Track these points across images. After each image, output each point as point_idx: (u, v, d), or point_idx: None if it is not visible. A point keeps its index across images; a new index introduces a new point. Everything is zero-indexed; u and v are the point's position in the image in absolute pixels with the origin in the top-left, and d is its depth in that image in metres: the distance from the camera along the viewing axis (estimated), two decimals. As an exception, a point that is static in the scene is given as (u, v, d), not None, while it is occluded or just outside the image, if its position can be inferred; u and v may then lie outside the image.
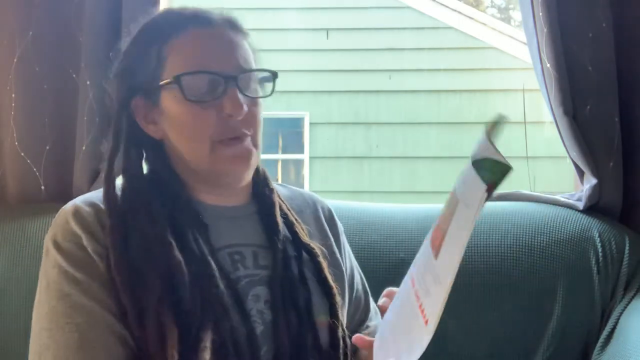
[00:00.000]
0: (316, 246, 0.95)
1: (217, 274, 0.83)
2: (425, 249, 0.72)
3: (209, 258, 0.84)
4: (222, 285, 0.82)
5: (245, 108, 0.86)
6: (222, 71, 0.86)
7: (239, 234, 0.91)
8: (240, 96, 0.86)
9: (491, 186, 0.60)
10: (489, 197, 0.61)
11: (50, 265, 0.83)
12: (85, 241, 0.82)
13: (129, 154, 0.89)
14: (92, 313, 0.79)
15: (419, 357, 0.67)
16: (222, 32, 0.89)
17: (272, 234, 0.93)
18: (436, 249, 0.68)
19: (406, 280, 0.77)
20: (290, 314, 0.87)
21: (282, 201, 0.99)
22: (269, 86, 0.91)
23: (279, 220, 0.94)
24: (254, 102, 0.88)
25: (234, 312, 0.82)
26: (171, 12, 0.92)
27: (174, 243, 0.82)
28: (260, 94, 0.90)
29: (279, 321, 0.86)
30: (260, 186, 0.97)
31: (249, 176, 0.92)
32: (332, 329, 0.91)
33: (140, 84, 0.89)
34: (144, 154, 0.92)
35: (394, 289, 0.85)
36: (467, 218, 0.62)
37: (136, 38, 0.91)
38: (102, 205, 0.86)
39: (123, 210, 0.84)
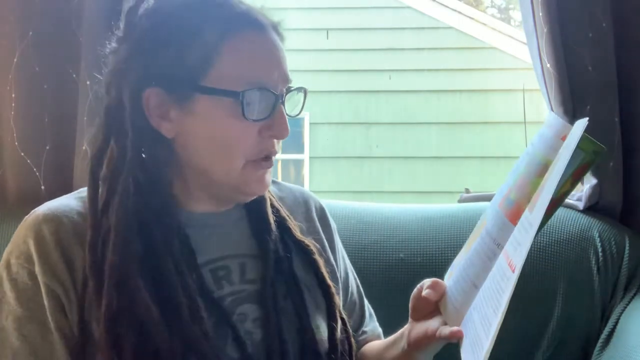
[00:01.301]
0: (311, 243, 0.91)
1: (204, 314, 0.76)
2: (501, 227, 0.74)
3: (199, 299, 0.76)
4: (210, 329, 0.75)
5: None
6: (275, 88, 0.80)
7: (226, 245, 0.85)
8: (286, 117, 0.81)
9: (585, 167, 0.61)
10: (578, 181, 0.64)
11: None
12: (37, 268, 0.75)
13: (125, 152, 0.76)
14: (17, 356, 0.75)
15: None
16: (273, 39, 0.81)
17: (263, 232, 0.87)
18: (532, 204, 0.69)
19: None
20: (283, 328, 0.82)
21: (272, 196, 0.93)
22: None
23: (271, 217, 0.89)
24: None
25: (222, 345, 0.77)
26: (220, 1, 0.80)
27: (142, 286, 0.73)
28: (293, 110, 0.85)
29: (271, 339, 0.81)
30: None
31: None
32: (331, 333, 0.86)
33: (166, 74, 0.77)
34: (141, 152, 0.79)
35: (438, 280, 0.81)
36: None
37: (172, 16, 0.78)
38: (66, 221, 0.78)
39: (103, 233, 0.75)
